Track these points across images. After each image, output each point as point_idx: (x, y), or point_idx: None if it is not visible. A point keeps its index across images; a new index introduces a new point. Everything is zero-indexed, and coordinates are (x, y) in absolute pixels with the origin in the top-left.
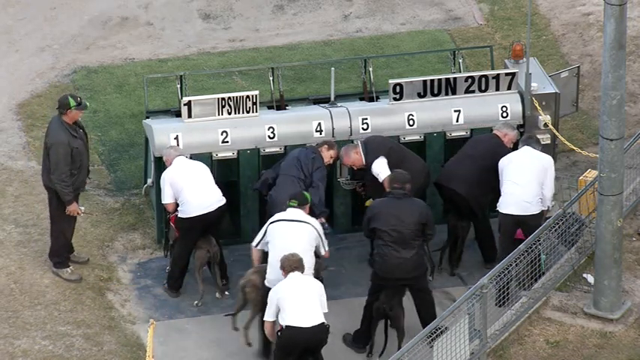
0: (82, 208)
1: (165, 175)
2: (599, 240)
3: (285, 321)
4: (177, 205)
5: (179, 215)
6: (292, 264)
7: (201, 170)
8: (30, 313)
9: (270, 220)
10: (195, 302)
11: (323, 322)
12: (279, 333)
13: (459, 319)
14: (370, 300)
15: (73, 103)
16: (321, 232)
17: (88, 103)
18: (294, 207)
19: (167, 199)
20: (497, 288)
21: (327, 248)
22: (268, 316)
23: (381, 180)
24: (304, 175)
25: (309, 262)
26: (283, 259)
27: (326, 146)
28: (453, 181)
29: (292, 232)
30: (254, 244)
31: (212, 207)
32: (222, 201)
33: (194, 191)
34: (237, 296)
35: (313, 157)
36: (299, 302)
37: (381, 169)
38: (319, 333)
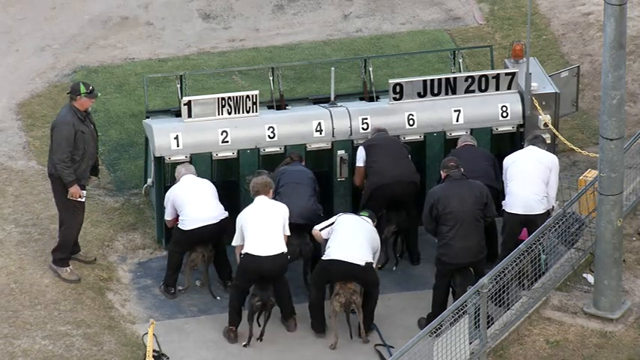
0: (84, 193)
1: (169, 194)
2: (599, 240)
3: (245, 248)
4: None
5: (178, 226)
6: (255, 187)
7: (206, 188)
8: (30, 313)
9: (341, 214)
10: (180, 288)
11: (282, 252)
12: (240, 257)
13: (459, 318)
14: (439, 285)
15: (83, 89)
16: (379, 244)
17: (99, 93)
18: (364, 216)
19: (167, 216)
20: (497, 288)
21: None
22: (235, 241)
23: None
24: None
25: (370, 252)
26: (253, 182)
27: None
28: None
29: (360, 226)
30: (318, 228)
31: (210, 221)
32: (223, 215)
33: (195, 206)
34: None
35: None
36: (260, 230)
37: (358, 156)
38: (277, 261)
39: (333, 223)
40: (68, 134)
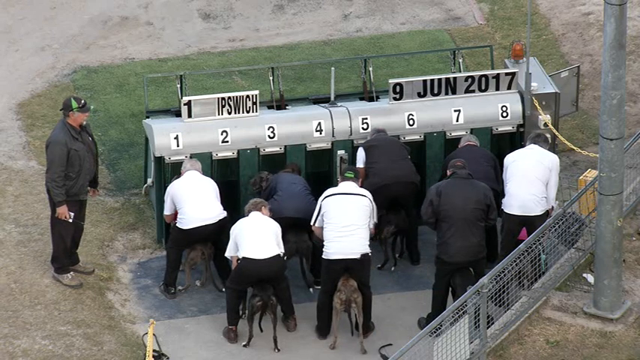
0: (72, 214)
1: (170, 188)
2: (599, 240)
3: (241, 253)
4: (177, 215)
5: (177, 225)
6: (248, 207)
7: (207, 186)
8: (30, 313)
9: (324, 194)
10: (180, 288)
11: (278, 254)
12: (237, 262)
13: (459, 318)
14: (438, 285)
15: (75, 105)
16: (373, 204)
17: (92, 106)
18: (350, 178)
19: (167, 210)
20: (497, 288)
21: (375, 220)
22: (229, 252)
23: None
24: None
25: (365, 235)
26: (246, 206)
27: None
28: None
29: (349, 206)
30: (312, 222)
31: (208, 221)
32: (222, 215)
33: (194, 205)
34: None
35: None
36: (254, 237)
37: (358, 157)
38: (274, 264)
39: (320, 210)
40: (60, 154)
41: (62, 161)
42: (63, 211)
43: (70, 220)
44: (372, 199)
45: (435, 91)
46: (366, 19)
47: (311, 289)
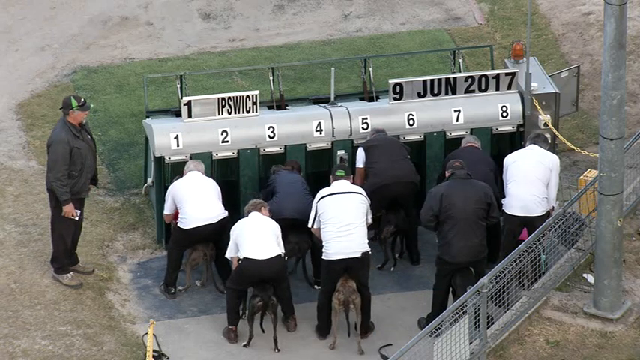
0: (78, 212)
1: (171, 188)
2: (599, 239)
3: (242, 254)
4: (177, 215)
5: (178, 225)
6: (247, 208)
7: (208, 186)
8: (30, 313)
9: (319, 195)
10: (180, 288)
11: (279, 254)
12: (238, 262)
13: (459, 318)
14: (439, 285)
15: (75, 103)
16: (368, 200)
17: (92, 104)
18: (342, 177)
19: (166, 210)
20: (497, 288)
21: (370, 219)
22: (229, 253)
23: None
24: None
25: (364, 233)
26: (245, 207)
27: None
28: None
29: (346, 205)
30: (309, 225)
31: (209, 220)
32: (223, 215)
33: (195, 205)
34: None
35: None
36: (255, 237)
37: (358, 157)
38: (275, 264)
39: (317, 212)
40: (63, 153)
41: (66, 160)
42: (70, 210)
43: (77, 218)
44: (366, 196)
45: (435, 91)
46: (366, 19)
47: (316, 286)
